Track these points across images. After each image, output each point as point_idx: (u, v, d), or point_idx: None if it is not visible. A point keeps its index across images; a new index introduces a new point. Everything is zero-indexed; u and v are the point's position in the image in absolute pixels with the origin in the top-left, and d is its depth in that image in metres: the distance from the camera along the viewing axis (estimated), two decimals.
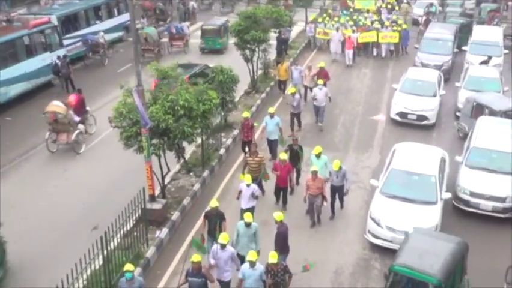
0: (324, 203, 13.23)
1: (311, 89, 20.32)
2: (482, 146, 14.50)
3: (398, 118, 19.24)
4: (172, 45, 28.99)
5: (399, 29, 27.27)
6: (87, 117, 18.52)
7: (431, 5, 32.24)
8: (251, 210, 12.34)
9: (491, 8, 32.71)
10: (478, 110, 17.29)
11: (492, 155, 14.26)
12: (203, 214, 11.92)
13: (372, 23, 28.68)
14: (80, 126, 17.68)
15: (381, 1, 34.58)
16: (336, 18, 29.48)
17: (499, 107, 16.91)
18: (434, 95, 19.48)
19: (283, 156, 13.80)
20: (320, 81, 19.05)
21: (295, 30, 30.85)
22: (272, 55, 24.40)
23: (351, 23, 28.39)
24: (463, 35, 26.74)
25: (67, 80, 23.02)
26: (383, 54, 27.37)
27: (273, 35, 23.67)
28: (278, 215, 11.20)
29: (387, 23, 28.22)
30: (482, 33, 26.12)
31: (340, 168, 13.43)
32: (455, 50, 24.90)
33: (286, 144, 15.33)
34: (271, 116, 16.06)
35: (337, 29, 26.81)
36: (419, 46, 25.19)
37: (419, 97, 19.23)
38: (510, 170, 13.76)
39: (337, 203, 13.92)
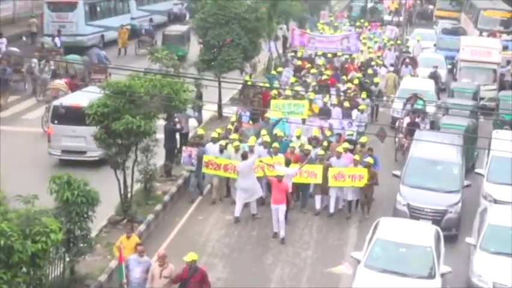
0: None
1: None
2: None
3: None
4: (91, 80, 36.01)
5: (369, 161, 22.37)
6: None
7: (416, 97, 29.98)
8: None
9: None
10: None
11: None
12: None
13: (311, 144, 23.73)
14: None
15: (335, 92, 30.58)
16: (250, 139, 23.64)
17: None
18: (430, 276, 17.47)
19: None
20: None
21: (205, 116, 31.12)
22: (159, 158, 23.60)
23: (275, 144, 23.21)
24: (468, 148, 25.65)
25: None
26: (331, 210, 22.45)
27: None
28: None
29: (340, 148, 23.02)
30: None
31: None
32: (466, 182, 23.23)
33: None
34: None
35: (243, 156, 21.92)
36: (401, 174, 23.17)
37: (404, 279, 17.24)
38: None
39: None
